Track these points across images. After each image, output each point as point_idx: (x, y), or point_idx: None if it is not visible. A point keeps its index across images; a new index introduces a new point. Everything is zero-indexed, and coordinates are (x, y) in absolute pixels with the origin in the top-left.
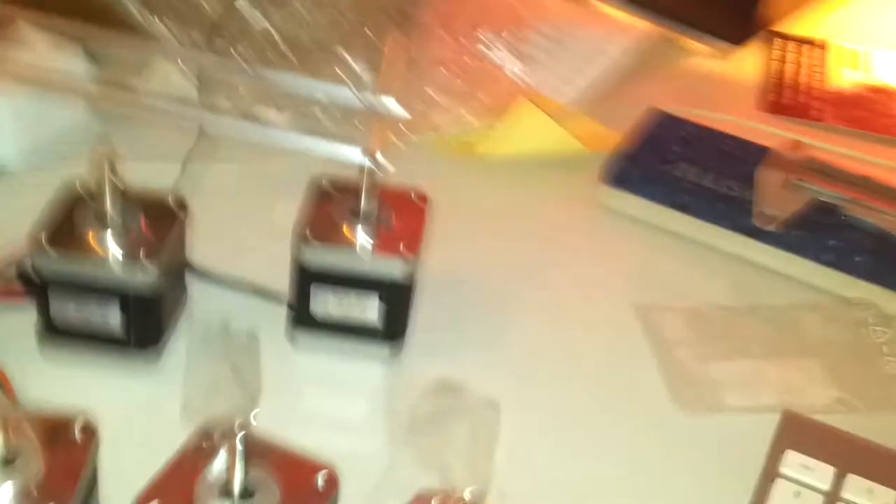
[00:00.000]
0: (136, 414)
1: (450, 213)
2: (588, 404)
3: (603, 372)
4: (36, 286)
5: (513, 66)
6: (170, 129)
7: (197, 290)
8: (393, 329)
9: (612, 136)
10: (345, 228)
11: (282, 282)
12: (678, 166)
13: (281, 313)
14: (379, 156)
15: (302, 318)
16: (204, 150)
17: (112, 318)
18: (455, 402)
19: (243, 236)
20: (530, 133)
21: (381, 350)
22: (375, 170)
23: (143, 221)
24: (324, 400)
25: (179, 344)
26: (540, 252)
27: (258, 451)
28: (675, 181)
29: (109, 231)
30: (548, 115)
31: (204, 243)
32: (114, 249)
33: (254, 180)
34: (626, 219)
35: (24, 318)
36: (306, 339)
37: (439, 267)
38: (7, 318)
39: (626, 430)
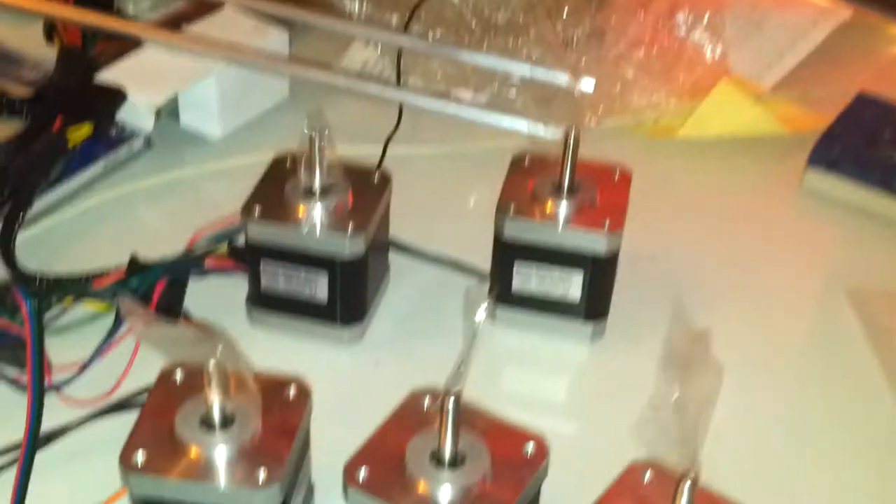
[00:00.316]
0: (341, 383)
1: (650, 194)
2: (797, 398)
3: (813, 361)
4: (247, 257)
5: (713, 49)
6: (370, 112)
7: (397, 267)
8: (595, 307)
9: (815, 119)
10: (547, 203)
11: (480, 259)
12: (890, 151)
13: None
14: (575, 133)
15: (503, 293)
16: (404, 132)
17: (320, 289)
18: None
19: (442, 215)
20: (732, 115)
21: (583, 329)
22: (575, 146)
23: (350, 195)
24: (524, 377)
25: (383, 318)
26: (742, 235)
27: (467, 419)
28: (887, 165)
29: (319, 203)
30: (750, 97)
31: (404, 221)
32: (323, 221)
33: (453, 162)
34: (832, 203)
35: (235, 287)
36: (506, 315)
37: (639, 248)
38: (218, 288)
39: (841, 427)
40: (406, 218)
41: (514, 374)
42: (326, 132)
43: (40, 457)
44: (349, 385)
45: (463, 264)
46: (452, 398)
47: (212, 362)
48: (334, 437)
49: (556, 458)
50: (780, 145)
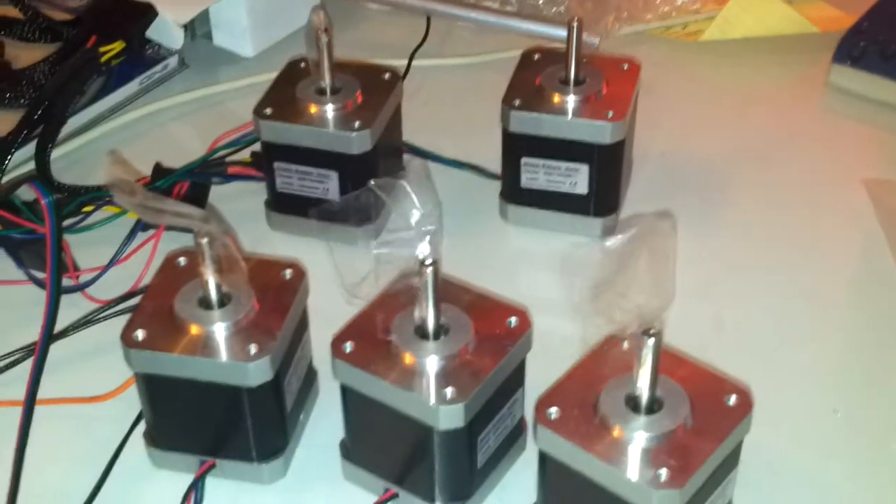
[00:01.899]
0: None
1: (675, 94)
2: (811, 277)
3: (827, 246)
4: (264, 161)
5: None
6: (400, 28)
7: None
8: (604, 202)
9: (847, 18)
10: (553, 96)
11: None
12: None
13: (496, 191)
14: (577, 24)
15: (513, 191)
16: (431, 46)
17: (332, 187)
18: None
19: (465, 124)
20: (759, 15)
21: (593, 224)
22: (579, 37)
23: (359, 94)
24: (536, 275)
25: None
26: (763, 132)
27: (454, 295)
28: None
29: (328, 102)
30: None
31: (427, 130)
32: (331, 118)
33: (478, 73)
34: (858, 98)
35: (258, 194)
36: (517, 213)
37: (663, 147)
38: (242, 194)
39: (850, 304)
40: (430, 126)
41: (526, 271)
42: (330, 29)
43: (63, 347)
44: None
45: (479, 167)
46: (430, 268)
47: (204, 240)
48: (335, 319)
49: (565, 355)
50: (810, 44)
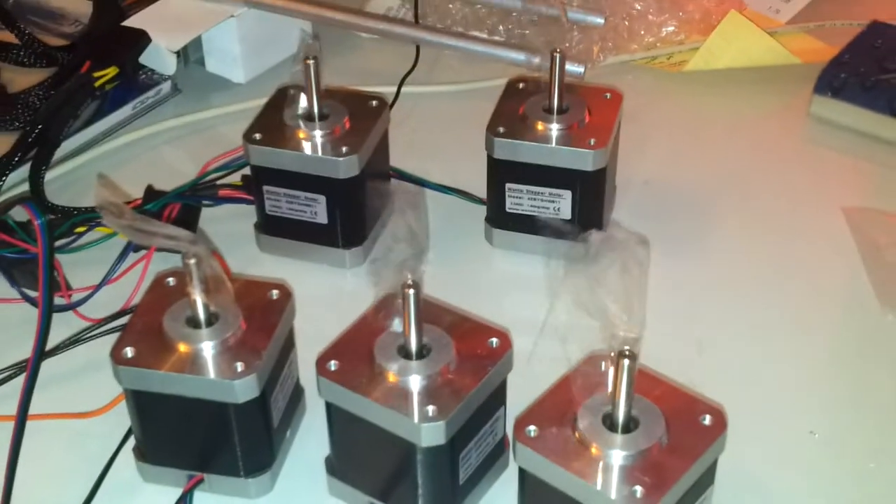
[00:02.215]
0: (343, 303)
1: (659, 123)
2: (791, 302)
3: (807, 271)
4: (253, 184)
5: None
6: (390, 57)
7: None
8: (588, 227)
9: (828, 50)
10: (538, 124)
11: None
12: None
13: (481, 216)
14: (560, 55)
15: (498, 216)
16: (421, 74)
17: (319, 211)
18: (607, 241)
19: (452, 150)
20: (742, 46)
21: (577, 249)
22: (565, 67)
23: (346, 120)
24: (521, 298)
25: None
26: (747, 161)
27: (436, 316)
28: (893, 90)
29: (315, 127)
30: (759, 28)
31: (414, 154)
32: (318, 143)
33: (465, 101)
34: (838, 128)
35: (248, 217)
36: (502, 237)
37: (647, 175)
38: (232, 217)
39: (828, 329)
40: (417, 151)
41: (510, 294)
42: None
43: (54, 364)
44: (349, 305)
45: (465, 192)
46: (412, 290)
47: (192, 261)
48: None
49: (547, 376)
50: (792, 75)
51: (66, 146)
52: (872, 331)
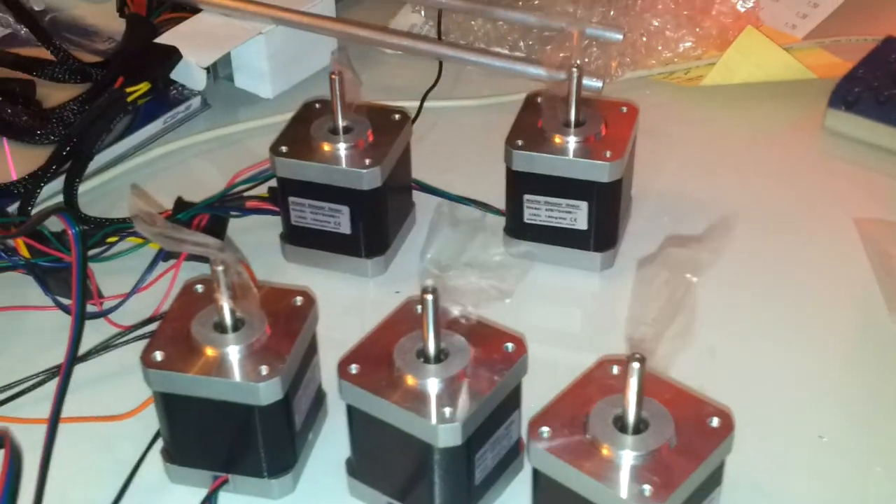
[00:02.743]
0: (366, 312)
1: (676, 136)
2: (803, 310)
3: (819, 280)
4: (279, 196)
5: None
6: (414, 72)
7: (427, 207)
8: (603, 237)
9: (843, 65)
10: (554, 137)
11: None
12: None
13: (500, 227)
14: (578, 70)
15: (516, 226)
16: (444, 88)
17: (343, 221)
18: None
19: (474, 162)
20: (760, 62)
21: (593, 259)
22: (584, 81)
23: (370, 133)
24: (537, 307)
25: (407, 252)
26: (762, 173)
27: (453, 323)
28: None
29: (340, 140)
30: (777, 44)
31: (436, 167)
32: (343, 156)
33: (487, 114)
34: (852, 142)
35: (275, 227)
36: (520, 247)
37: (663, 186)
38: (258, 228)
39: (838, 336)
40: (438, 163)
41: (527, 302)
42: (346, 73)
43: (86, 369)
44: (371, 313)
45: (484, 203)
46: (431, 296)
47: (219, 268)
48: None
49: (562, 381)
50: (807, 89)
51: (99, 159)
52: (882, 338)
